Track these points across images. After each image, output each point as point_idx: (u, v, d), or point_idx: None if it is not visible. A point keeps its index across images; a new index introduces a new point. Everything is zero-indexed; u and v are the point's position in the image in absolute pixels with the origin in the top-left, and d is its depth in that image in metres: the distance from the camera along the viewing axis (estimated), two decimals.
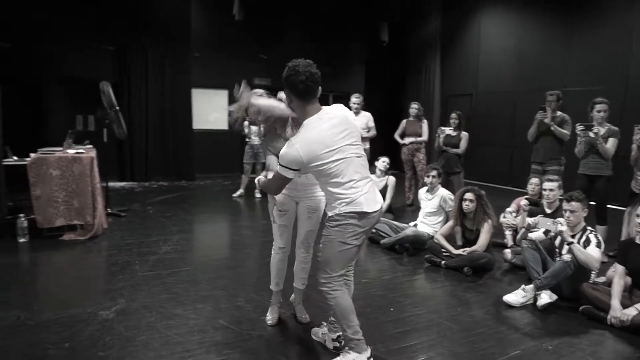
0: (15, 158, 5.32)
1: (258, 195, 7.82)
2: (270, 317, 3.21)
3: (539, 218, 3.85)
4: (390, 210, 6.12)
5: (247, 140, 7.77)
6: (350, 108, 7.02)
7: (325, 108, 2.56)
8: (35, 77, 8.18)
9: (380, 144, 7.76)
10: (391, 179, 6.10)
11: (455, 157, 6.11)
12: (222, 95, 9.75)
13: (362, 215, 2.45)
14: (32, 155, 5.00)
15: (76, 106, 8.33)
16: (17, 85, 7.96)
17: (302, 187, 2.95)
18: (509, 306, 3.60)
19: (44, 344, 2.85)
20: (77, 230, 5.11)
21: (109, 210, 6.20)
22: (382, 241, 5.10)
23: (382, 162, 6.05)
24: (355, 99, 6.94)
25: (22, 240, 4.88)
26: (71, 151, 5.25)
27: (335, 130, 2.46)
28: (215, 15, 9.38)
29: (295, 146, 2.36)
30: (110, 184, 8.60)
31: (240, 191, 7.91)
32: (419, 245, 4.91)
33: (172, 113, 9.33)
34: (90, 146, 6.12)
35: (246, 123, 7.09)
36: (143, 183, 9.02)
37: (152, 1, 8.86)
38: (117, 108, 6.14)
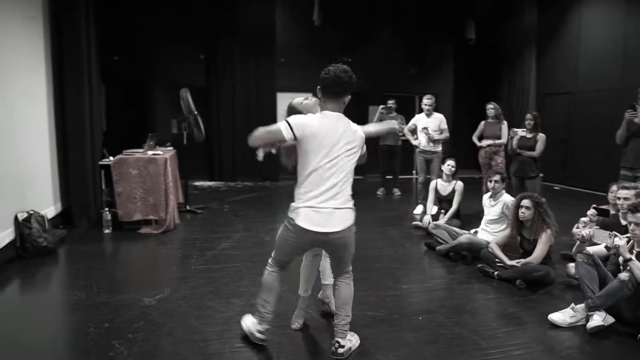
0: (111, 158, 6.01)
1: None
2: (294, 322, 3.22)
3: (594, 230, 3.43)
4: (458, 216, 5.83)
5: None
6: (422, 109, 6.90)
7: (343, 117, 2.69)
8: (137, 85, 9.16)
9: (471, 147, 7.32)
10: (459, 184, 5.82)
11: (530, 161, 5.64)
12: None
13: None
14: (116, 156, 5.63)
15: (172, 110, 9.13)
16: (121, 90, 9.02)
17: None
18: (555, 326, 3.26)
19: (88, 322, 3.21)
20: (152, 224, 5.64)
21: (188, 207, 6.72)
22: (438, 248, 4.90)
23: (447, 166, 5.80)
24: (427, 100, 6.76)
25: (106, 231, 5.51)
26: (150, 152, 5.81)
27: (337, 136, 2.59)
28: (299, 21, 9.67)
29: (313, 119, 2.61)
30: (199, 183, 9.41)
31: None
32: (476, 254, 4.62)
33: (257, 116, 9.79)
34: (171, 148, 6.72)
35: None
36: (229, 183, 9.61)
37: (239, 11, 9.41)
38: (196, 113, 6.64)
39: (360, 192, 8.60)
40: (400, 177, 8.58)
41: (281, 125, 2.57)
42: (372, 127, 3.07)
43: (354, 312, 3.01)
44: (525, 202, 4.10)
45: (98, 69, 6.56)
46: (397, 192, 8.34)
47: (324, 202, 2.58)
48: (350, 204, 2.71)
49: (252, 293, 3.75)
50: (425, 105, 6.71)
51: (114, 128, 8.51)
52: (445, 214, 5.77)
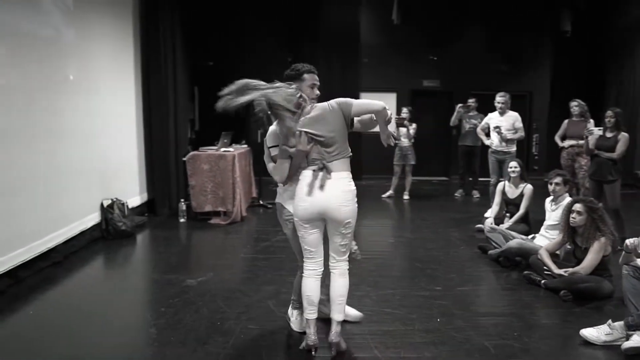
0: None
1: (406, 197, 7.85)
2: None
3: (638, 240, 3.05)
4: (526, 221, 5.44)
5: (396, 142, 7.87)
6: (494, 107, 6.53)
7: None
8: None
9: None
10: (528, 188, 5.42)
11: (609, 163, 5.04)
12: (390, 98, 9.97)
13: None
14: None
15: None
16: (213, 93, 9.78)
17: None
18: (588, 343, 2.97)
19: (134, 296, 3.68)
20: (220, 216, 6.12)
21: (261, 202, 7.14)
22: (490, 252, 4.66)
23: (511, 168, 5.43)
24: (500, 98, 6.40)
25: (181, 220, 6.11)
26: (223, 149, 6.30)
27: None
28: (381, 20, 9.64)
29: None
30: None
31: (389, 192, 8.06)
32: (527, 260, 4.32)
33: None
34: (245, 145, 7.19)
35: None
36: None
37: (324, 13, 9.67)
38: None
39: (440, 194, 8.47)
40: (480, 179, 8.17)
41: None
42: None
43: (376, 308, 3.08)
44: (577, 207, 3.75)
45: (186, 72, 7.29)
46: (476, 194, 7.97)
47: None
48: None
49: (283, 283, 3.96)
50: (498, 103, 6.35)
51: (205, 127, 9.28)
52: (510, 217, 5.43)
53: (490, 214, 5.75)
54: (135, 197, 6.06)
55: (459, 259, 4.70)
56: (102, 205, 5.21)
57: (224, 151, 6.20)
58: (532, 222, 5.47)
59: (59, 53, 4.36)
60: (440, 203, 7.67)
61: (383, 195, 8.03)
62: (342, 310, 2.80)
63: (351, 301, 3.50)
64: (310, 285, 2.80)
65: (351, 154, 2.78)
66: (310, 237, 2.77)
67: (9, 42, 3.69)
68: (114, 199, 5.31)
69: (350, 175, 2.75)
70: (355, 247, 3.09)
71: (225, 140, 6.56)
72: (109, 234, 5.18)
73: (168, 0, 6.41)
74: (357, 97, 9.84)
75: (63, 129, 4.49)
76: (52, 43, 4.24)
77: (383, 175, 9.21)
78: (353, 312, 3.20)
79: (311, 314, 2.79)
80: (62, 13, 4.35)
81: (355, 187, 2.76)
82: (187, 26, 7.28)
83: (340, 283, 2.80)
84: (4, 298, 3.61)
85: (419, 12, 9.34)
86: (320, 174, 2.64)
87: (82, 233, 4.81)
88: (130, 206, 5.62)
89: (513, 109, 6.52)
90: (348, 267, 2.86)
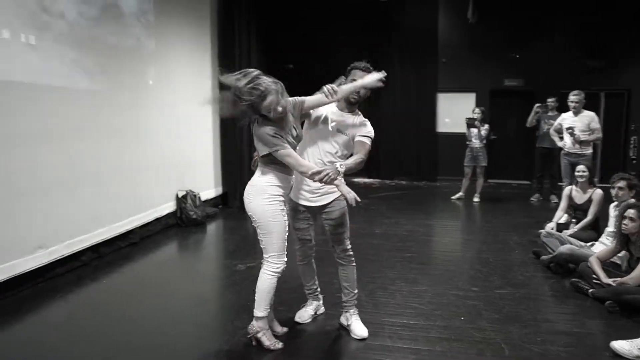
0: None
1: (476, 199, 7.66)
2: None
3: None
4: (596, 228, 5.10)
5: (467, 142, 7.71)
6: (568, 107, 6.16)
7: None
8: (305, 89, 10.28)
9: None
10: (597, 193, 5.07)
11: None
12: (469, 99, 9.73)
13: None
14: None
15: None
16: (292, 95, 10.24)
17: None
18: (618, 356, 2.83)
19: (192, 275, 4.14)
20: None
21: None
22: (542, 257, 4.49)
23: (578, 172, 5.12)
24: (573, 97, 6.05)
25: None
26: None
27: None
28: (458, 20, 9.43)
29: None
30: (357, 179, 10.07)
31: (459, 194, 7.91)
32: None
33: (416, 116, 9.95)
34: None
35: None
36: (385, 181, 10.01)
37: (402, 13, 9.70)
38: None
39: (515, 197, 8.11)
40: (560, 183, 7.70)
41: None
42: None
43: (403, 302, 3.22)
44: (630, 213, 3.53)
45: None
46: (554, 199, 7.51)
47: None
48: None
49: (321, 273, 4.17)
50: (572, 102, 6.00)
51: None
52: (577, 223, 5.13)
53: (555, 219, 5.48)
54: (210, 189, 6.66)
55: (509, 262, 4.58)
56: (177, 195, 5.83)
57: None
58: (602, 230, 5.13)
59: (140, 61, 5.01)
60: (511, 207, 7.37)
61: (453, 197, 7.91)
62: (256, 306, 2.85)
63: (383, 294, 3.68)
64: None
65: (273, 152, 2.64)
66: None
67: (97, 53, 4.35)
68: (188, 191, 5.91)
69: (265, 172, 2.71)
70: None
71: None
72: (182, 221, 5.78)
73: (244, 7, 6.94)
74: (434, 98, 9.79)
75: (144, 128, 5.13)
76: (133, 52, 4.89)
77: (459, 177, 9.01)
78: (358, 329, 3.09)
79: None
80: (143, 26, 4.99)
81: (261, 184, 2.71)
82: (264, 30, 7.78)
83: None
84: (88, 268, 4.29)
85: (496, 8, 9.00)
86: None
87: (158, 219, 5.44)
88: (204, 198, 6.21)
89: (607, 108, 6.11)
90: (270, 271, 2.84)
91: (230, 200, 6.93)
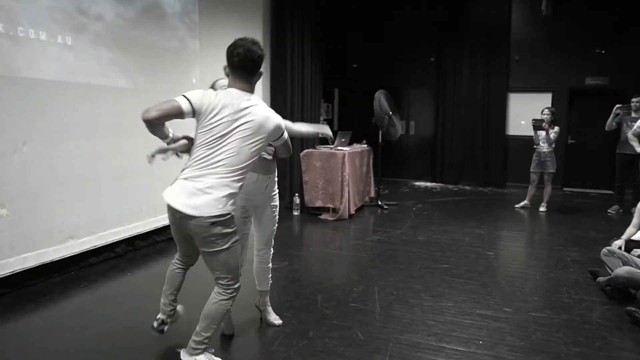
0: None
1: (543, 209, 7.01)
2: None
3: None
4: None
5: (534, 146, 7.08)
6: (630, 106, 5.45)
7: (250, 97, 2.35)
8: (368, 89, 10.07)
9: None
10: None
11: None
12: (544, 99, 8.95)
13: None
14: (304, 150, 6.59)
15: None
16: (355, 94, 10.10)
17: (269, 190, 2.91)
18: None
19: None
20: (329, 212, 6.36)
21: (379, 202, 7.17)
22: (599, 278, 3.95)
23: None
24: (635, 98, 5.29)
25: (295, 213, 6.54)
26: (340, 148, 6.52)
27: (230, 114, 2.32)
28: (534, 13, 8.67)
29: (212, 92, 2.35)
30: (418, 182, 9.71)
31: (524, 202, 7.29)
32: None
33: (485, 118, 9.35)
34: (365, 145, 7.29)
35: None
36: (448, 185, 9.51)
37: (471, 9, 9.16)
38: (390, 113, 7.02)
39: (591, 208, 7.29)
40: None
41: (178, 97, 2.29)
42: (302, 126, 2.91)
43: (416, 317, 3.02)
44: None
45: (320, 75, 7.75)
46: None
47: (192, 179, 2.27)
48: (221, 192, 2.25)
49: (345, 276, 4.01)
50: (636, 102, 5.25)
51: (345, 127, 9.63)
52: None
53: (625, 236, 4.80)
54: None
55: (558, 282, 4.08)
56: None
57: (336, 150, 6.42)
58: None
59: (183, 61, 5.13)
60: (583, 219, 6.63)
61: (516, 206, 7.30)
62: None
63: (400, 307, 3.43)
64: None
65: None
66: None
67: (138, 54, 4.52)
68: None
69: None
70: None
71: (343, 140, 6.76)
72: None
73: (299, 7, 6.91)
74: (504, 98, 9.11)
75: (187, 129, 5.24)
76: (177, 53, 5.02)
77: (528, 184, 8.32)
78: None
79: None
80: (187, 27, 5.10)
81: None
82: (322, 29, 7.72)
83: None
84: (123, 260, 4.47)
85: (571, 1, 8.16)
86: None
87: None
88: None
89: None
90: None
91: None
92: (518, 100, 9.24)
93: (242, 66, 2.33)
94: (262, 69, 2.44)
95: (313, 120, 7.68)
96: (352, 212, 6.41)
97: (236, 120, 2.28)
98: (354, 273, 4.26)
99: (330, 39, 8.62)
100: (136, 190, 4.62)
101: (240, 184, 2.34)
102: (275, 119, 2.40)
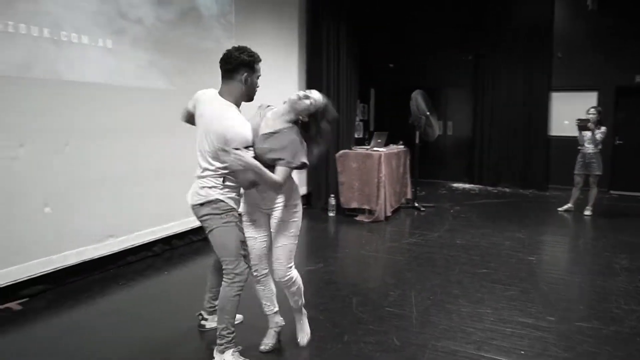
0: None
1: (588, 212, 6.70)
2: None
3: None
4: None
5: (578, 147, 6.78)
6: None
7: (221, 102, 2.55)
8: (405, 88, 9.93)
9: None
10: None
11: None
12: (589, 98, 8.57)
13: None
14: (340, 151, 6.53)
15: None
16: (390, 94, 9.97)
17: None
18: None
19: None
20: (365, 213, 6.28)
21: (416, 204, 7.04)
22: None
23: None
24: None
25: (330, 214, 6.50)
26: (379, 149, 6.43)
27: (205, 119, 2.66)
28: (579, 7, 8.30)
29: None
30: (457, 184, 9.50)
31: (567, 205, 6.99)
32: None
33: (526, 118, 9.03)
34: (402, 146, 7.17)
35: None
36: (487, 187, 9.23)
37: (514, 8, 8.89)
38: (428, 114, 6.88)
39: (635, 213, 6.91)
40: None
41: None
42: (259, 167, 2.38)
43: (454, 324, 2.91)
44: None
45: (356, 75, 7.69)
46: None
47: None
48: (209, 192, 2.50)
49: (377, 279, 3.94)
50: None
51: (380, 127, 9.51)
52: None
53: None
54: None
55: (606, 290, 3.87)
56: None
57: (372, 150, 6.34)
58: None
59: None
60: (631, 224, 6.30)
61: (560, 209, 7.01)
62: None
63: (437, 313, 3.34)
64: None
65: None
66: None
67: (176, 55, 4.59)
68: None
69: None
70: None
71: (379, 140, 6.67)
72: None
73: (336, 9, 6.87)
74: (546, 97, 8.77)
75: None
76: (212, 54, 5.04)
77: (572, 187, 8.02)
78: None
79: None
80: (223, 28, 5.15)
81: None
82: (357, 30, 7.64)
83: None
84: (160, 259, 4.55)
85: None
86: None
87: None
88: None
89: None
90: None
91: (314, 201, 6.91)
92: (561, 99, 8.89)
93: (220, 67, 2.55)
94: (258, 75, 2.59)
95: (348, 121, 7.61)
96: (388, 213, 6.31)
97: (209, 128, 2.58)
98: (390, 276, 4.18)
99: (365, 39, 8.53)
100: (173, 190, 4.68)
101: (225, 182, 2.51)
102: (225, 124, 2.40)
